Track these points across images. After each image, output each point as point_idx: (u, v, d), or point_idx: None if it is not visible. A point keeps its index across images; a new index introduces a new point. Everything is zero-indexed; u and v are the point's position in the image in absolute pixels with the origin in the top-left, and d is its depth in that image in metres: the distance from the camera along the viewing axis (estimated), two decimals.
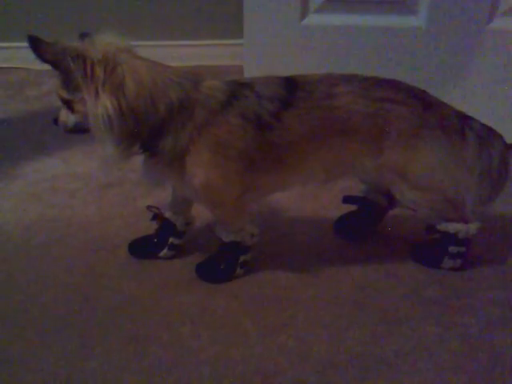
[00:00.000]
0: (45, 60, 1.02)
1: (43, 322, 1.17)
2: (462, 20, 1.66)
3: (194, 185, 1.14)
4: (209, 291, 1.25)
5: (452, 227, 1.23)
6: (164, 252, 1.32)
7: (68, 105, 1.09)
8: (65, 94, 1.06)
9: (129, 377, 1.05)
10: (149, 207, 1.33)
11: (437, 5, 1.67)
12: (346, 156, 1.18)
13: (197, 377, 1.04)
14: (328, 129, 1.14)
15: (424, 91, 1.19)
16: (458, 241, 1.25)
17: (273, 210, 1.52)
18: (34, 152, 1.81)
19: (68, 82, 1.04)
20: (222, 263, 1.26)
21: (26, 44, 1.01)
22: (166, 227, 1.31)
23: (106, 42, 1.05)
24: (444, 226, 1.24)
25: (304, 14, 1.74)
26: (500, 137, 1.24)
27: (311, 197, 1.57)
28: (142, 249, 1.35)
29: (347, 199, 1.42)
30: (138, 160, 1.17)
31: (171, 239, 1.31)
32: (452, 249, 1.26)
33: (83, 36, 1.07)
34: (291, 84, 1.14)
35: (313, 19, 1.76)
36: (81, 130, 1.12)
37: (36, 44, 1.01)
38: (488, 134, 1.22)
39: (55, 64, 1.02)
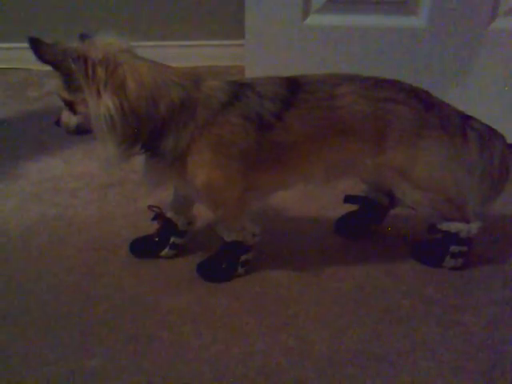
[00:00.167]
0: (46, 61, 1.02)
1: (44, 322, 1.17)
2: (463, 20, 1.66)
3: (195, 185, 1.14)
4: (210, 290, 1.25)
5: (453, 227, 1.23)
6: (165, 251, 1.32)
7: (70, 106, 1.09)
8: (66, 95, 1.07)
9: (130, 376, 1.05)
10: (150, 207, 1.33)
11: (438, 5, 1.67)
12: (348, 156, 1.19)
13: (198, 376, 1.04)
14: (329, 129, 1.15)
15: (426, 91, 1.20)
16: (460, 240, 1.25)
17: (274, 210, 1.53)
18: (34, 152, 1.82)
19: (69, 82, 1.04)
20: (223, 262, 1.26)
21: (26, 45, 1.01)
22: (167, 227, 1.31)
23: (106, 42, 1.05)
24: (445, 226, 1.24)
25: (305, 14, 1.74)
26: (501, 137, 1.24)
27: (312, 196, 1.58)
28: (144, 248, 1.35)
29: (348, 199, 1.42)
30: (139, 160, 1.17)
31: (172, 238, 1.31)
32: (453, 248, 1.26)
33: (84, 37, 1.08)
34: (293, 84, 1.15)
35: (314, 19, 1.76)
36: (83, 131, 1.12)
37: (37, 45, 1.01)
38: (489, 134, 1.22)
39: (56, 65, 1.03)
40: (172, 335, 1.13)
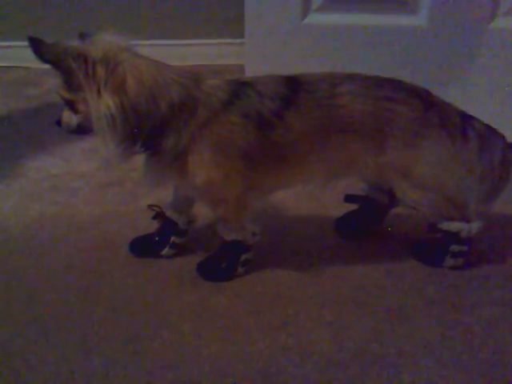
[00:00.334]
0: (46, 61, 1.02)
1: (44, 321, 1.16)
2: (463, 19, 1.66)
3: (195, 184, 1.14)
4: (210, 290, 1.24)
5: (454, 226, 1.23)
6: (165, 251, 1.32)
7: (71, 105, 1.09)
8: (67, 95, 1.07)
9: (130, 375, 1.04)
10: (150, 206, 1.33)
11: (438, 4, 1.66)
12: (348, 155, 1.18)
13: (198, 375, 1.04)
14: (330, 128, 1.14)
15: (426, 90, 1.19)
16: (460, 240, 1.25)
17: (274, 209, 1.52)
18: (34, 151, 1.81)
19: (69, 82, 1.04)
20: (223, 262, 1.26)
21: (25, 43, 1.01)
22: (167, 226, 1.31)
23: (106, 41, 1.06)
24: (446, 225, 1.24)
25: (305, 13, 1.74)
26: (501, 136, 1.24)
27: (312, 196, 1.57)
28: (144, 247, 1.35)
29: (349, 198, 1.42)
30: (139, 159, 1.17)
31: (173, 238, 1.31)
32: (454, 248, 1.26)
33: (83, 36, 1.08)
34: (293, 83, 1.14)
35: (314, 18, 1.76)
36: (84, 130, 1.12)
37: (37, 45, 1.01)
38: (489, 134, 1.22)
39: (56, 64, 1.03)
40: (172, 334, 1.13)
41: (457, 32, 1.69)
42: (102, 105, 1.02)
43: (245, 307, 1.20)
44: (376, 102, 1.14)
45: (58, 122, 1.14)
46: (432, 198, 1.22)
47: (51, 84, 2.19)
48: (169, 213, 1.31)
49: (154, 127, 1.07)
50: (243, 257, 1.26)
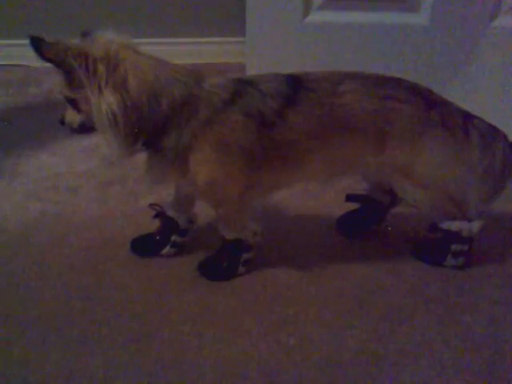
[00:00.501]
0: (47, 59, 1.02)
1: (45, 320, 1.16)
2: (465, 18, 1.66)
3: (196, 182, 1.13)
4: (211, 289, 1.24)
5: (455, 225, 1.23)
6: (166, 250, 1.32)
7: (73, 104, 1.09)
8: (69, 93, 1.07)
9: (130, 375, 1.04)
10: (151, 205, 1.32)
11: (440, 2, 1.66)
12: (349, 154, 1.18)
13: (198, 375, 1.04)
14: (331, 126, 1.14)
15: (428, 89, 1.19)
16: (461, 239, 1.25)
17: (275, 208, 1.52)
18: (34, 150, 1.81)
19: (71, 80, 1.04)
20: (224, 261, 1.26)
21: (26, 41, 1.01)
22: (168, 225, 1.31)
23: (107, 39, 1.05)
24: (447, 224, 1.24)
25: (306, 11, 1.74)
26: (503, 135, 1.24)
27: (314, 195, 1.57)
28: (144, 246, 1.34)
29: (350, 197, 1.42)
30: (140, 157, 1.16)
31: (174, 237, 1.31)
32: (455, 247, 1.26)
33: (84, 34, 1.07)
34: (295, 81, 1.14)
35: (315, 17, 1.75)
36: (87, 129, 1.12)
37: (38, 43, 1.00)
38: (491, 133, 1.21)
39: (57, 63, 1.02)
40: (172, 334, 1.13)
41: (458, 30, 1.68)
42: (103, 103, 1.02)
43: (245, 307, 1.20)
44: (377, 101, 1.14)
45: (62, 121, 1.14)
46: (433, 197, 1.21)
47: (52, 83, 2.19)
48: (170, 212, 1.30)
49: (155, 125, 1.07)
50: (244, 256, 1.25)
